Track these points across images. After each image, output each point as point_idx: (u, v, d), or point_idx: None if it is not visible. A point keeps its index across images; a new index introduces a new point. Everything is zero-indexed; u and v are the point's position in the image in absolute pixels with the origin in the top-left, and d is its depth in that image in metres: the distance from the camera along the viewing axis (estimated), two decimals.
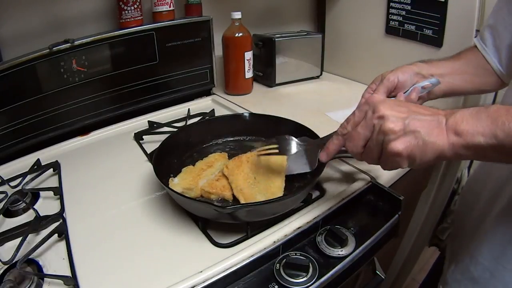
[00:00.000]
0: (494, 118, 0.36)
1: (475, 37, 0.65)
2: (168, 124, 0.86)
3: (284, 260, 0.48)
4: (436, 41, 0.91)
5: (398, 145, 0.40)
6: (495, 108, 0.37)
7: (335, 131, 0.50)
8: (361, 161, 0.47)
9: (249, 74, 1.05)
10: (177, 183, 0.59)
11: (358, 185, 0.62)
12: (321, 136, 0.65)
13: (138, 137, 0.82)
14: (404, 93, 0.58)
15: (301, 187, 0.61)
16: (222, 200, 0.58)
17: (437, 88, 0.60)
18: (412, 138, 0.39)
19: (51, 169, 0.72)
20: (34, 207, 0.60)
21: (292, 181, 0.62)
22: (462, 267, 0.58)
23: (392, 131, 0.40)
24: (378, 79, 0.62)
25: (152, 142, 0.79)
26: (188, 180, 0.59)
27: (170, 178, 0.60)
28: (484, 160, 0.39)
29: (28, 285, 0.45)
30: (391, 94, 0.60)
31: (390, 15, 1.01)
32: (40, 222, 0.55)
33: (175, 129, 0.83)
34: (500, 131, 0.36)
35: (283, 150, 0.59)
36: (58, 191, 0.64)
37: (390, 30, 1.03)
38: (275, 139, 0.60)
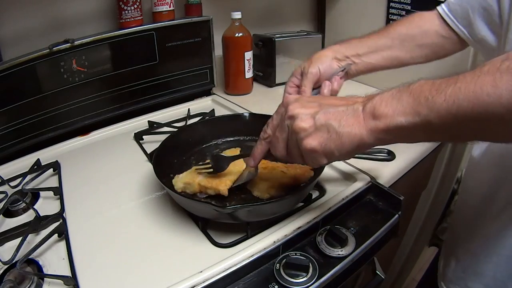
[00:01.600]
0: (417, 94, 0.34)
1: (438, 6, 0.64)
2: (168, 124, 0.86)
3: (284, 260, 0.48)
4: None
5: (311, 141, 0.39)
6: (418, 84, 0.34)
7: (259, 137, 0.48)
8: (291, 163, 0.46)
9: (249, 74, 1.05)
10: (180, 179, 0.59)
11: (358, 185, 0.62)
12: None
13: (138, 137, 0.82)
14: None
15: (301, 187, 0.60)
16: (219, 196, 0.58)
17: (352, 68, 0.63)
18: (324, 133, 0.38)
19: (51, 169, 0.72)
20: (34, 207, 0.60)
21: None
22: (464, 265, 0.58)
23: (302, 129, 0.39)
24: (298, 72, 0.63)
25: (152, 142, 0.79)
26: (189, 177, 0.59)
27: (176, 175, 0.60)
28: (412, 142, 0.36)
29: (28, 285, 0.45)
30: (317, 85, 0.62)
31: (390, 15, 1.01)
32: (40, 222, 0.55)
33: (175, 129, 0.83)
34: (423, 107, 0.33)
35: (218, 168, 0.58)
36: (58, 191, 0.64)
37: None
38: (209, 158, 0.60)
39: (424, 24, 0.63)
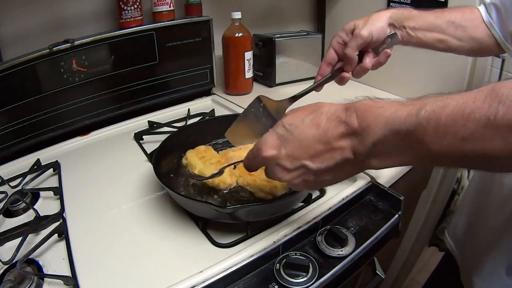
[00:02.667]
0: (419, 143, 0.30)
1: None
2: (168, 124, 0.86)
3: (284, 260, 0.48)
4: None
5: (297, 188, 0.41)
6: (422, 122, 0.29)
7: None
8: None
9: (249, 74, 1.05)
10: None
11: (358, 185, 0.62)
12: None
13: (138, 137, 0.82)
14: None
15: None
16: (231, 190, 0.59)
17: (404, 39, 0.62)
18: (318, 185, 0.39)
19: (51, 169, 0.72)
20: (34, 207, 0.60)
21: None
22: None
23: (292, 185, 0.40)
24: (350, 28, 0.62)
25: (152, 142, 0.79)
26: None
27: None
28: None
29: (28, 285, 0.45)
30: (363, 47, 0.61)
31: None
32: (40, 222, 0.55)
33: (175, 129, 0.83)
34: (424, 159, 0.31)
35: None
36: (58, 191, 0.64)
37: None
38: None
39: (475, 19, 0.62)
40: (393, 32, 0.62)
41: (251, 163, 0.42)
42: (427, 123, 0.29)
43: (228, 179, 0.59)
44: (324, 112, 0.36)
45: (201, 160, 0.63)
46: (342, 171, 0.36)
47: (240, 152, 0.64)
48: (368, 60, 0.61)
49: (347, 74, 0.63)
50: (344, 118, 0.34)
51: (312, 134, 0.36)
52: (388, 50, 0.61)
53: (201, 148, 0.67)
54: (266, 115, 0.60)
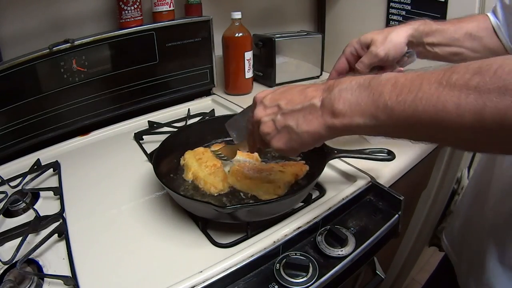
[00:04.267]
0: (377, 96, 0.33)
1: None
2: (168, 124, 0.86)
3: (284, 260, 0.48)
4: None
5: (276, 143, 0.42)
6: (379, 82, 0.33)
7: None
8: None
9: (249, 74, 1.05)
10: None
11: (358, 185, 0.62)
12: None
13: (138, 137, 0.82)
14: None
15: (301, 187, 0.61)
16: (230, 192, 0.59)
17: (421, 55, 0.62)
18: (285, 134, 0.41)
19: (51, 169, 0.72)
20: (34, 207, 0.60)
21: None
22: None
23: (266, 133, 0.43)
24: (366, 41, 0.61)
25: (152, 142, 0.79)
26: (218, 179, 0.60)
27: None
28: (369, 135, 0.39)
29: (28, 285, 0.45)
30: (376, 64, 0.61)
31: (390, 15, 1.01)
32: (40, 222, 0.55)
33: (175, 129, 0.83)
34: (381, 112, 0.32)
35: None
36: (58, 191, 0.64)
37: None
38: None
39: (490, 28, 0.62)
40: (410, 50, 0.61)
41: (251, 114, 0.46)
42: (387, 81, 0.33)
43: (220, 185, 0.59)
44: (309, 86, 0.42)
45: (197, 162, 0.63)
46: (306, 118, 0.39)
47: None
48: None
49: None
50: (324, 84, 0.40)
51: (296, 89, 0.42)
52: (402, 69, 0.61)
53: (200, 150, 0.67)
54: None
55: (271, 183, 0.59)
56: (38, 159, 0.74)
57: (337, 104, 0.36)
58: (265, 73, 1.13)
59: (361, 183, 0.62)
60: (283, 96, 0.42)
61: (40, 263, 0.50)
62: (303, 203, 0.59)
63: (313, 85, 0.41)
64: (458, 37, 0.62)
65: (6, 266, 0.48)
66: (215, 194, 0.59)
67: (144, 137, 0.82)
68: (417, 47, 0.62)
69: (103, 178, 0.69)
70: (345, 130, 0.37)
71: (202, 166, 0.62)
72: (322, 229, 0.54)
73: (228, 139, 0.75)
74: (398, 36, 0.60)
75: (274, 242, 0.50)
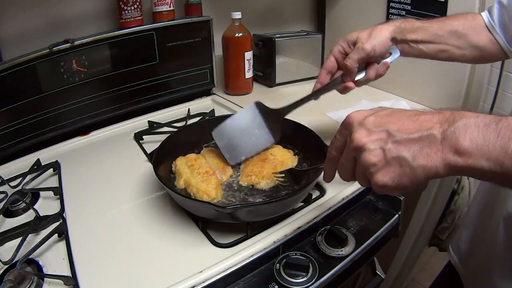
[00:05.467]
0: (505, 140, 0.29)
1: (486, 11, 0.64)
2: (168, 124, 0.86)
3: (284, 260, 0.49)
4: None
5: (381, 177, 0.34)
6: (508, 125, 0.30)
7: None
8: None
9: (249, 74, 1.05)
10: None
11: (358, 185, 0.61)
12: (322, 137, 0.65)
13: (138, 137, 0.82)
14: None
15: (301, 187, 0.61)
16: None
17: (404, 51, 0.63)
18: (396, 167, 0.34)
19: (51, 169, 0.72)
20: (34, 207, 0.60)
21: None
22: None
23: (371, 164, 0.35)
24: (352, 39, 0.62)
25: (152, 142, 0.79)
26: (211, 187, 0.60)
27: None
28: (480, 179, 0.33)
29: (28, 285, 0.45)
30: (363, 61, 0.62)
31: (390, 15, 1.01)
32: (40, 222, 0.55)
33: (175, 129, 0.83)
34: (508, 160, 0.29)
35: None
36: (58, 191, 0.64)
37: None
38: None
39: (477, 26, 0.62)
40: (393, 46, 0.62)
41: (335, 139, 0.40)
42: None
43: (212, 192, 0.56)
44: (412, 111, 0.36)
45: (189, 169, 0.61)
46: (423, 150, 0.32)
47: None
48: (372, 72, 0.62)
49: (351, 84, 0.63)
50: (437, 112, 0.34)
51: (404, 113, 0.35)
52: (388, 61, 0.62)
53: (192, 156, 0.65)
54: (258, 125, 0.61)
55: (267, 168, 0.61)
56: (38, 159, 0.74)
57: (463, 141, 0.30)
58: (265, 73, 1.13)
59: None
60: (390, 120, 0.35)
61: (40, 263, 0.50)
62: (303, 203, 0.59)
63: (424, 112, 0.35)
64: (442, 34, 0.62)
65: (6, 266, 0.48)
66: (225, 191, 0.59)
67: (144, 137, 0.82)
68: (401, 43, 0.63)
69: (103, 178, 0.69)
70: (465, 171, 0.32)
71: (194, 173, 0.59)
72: (322, 229, 0.54)
73: None
74: (382, 32, 0.61)
75: (274, 242, 0.50)
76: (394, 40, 0.62)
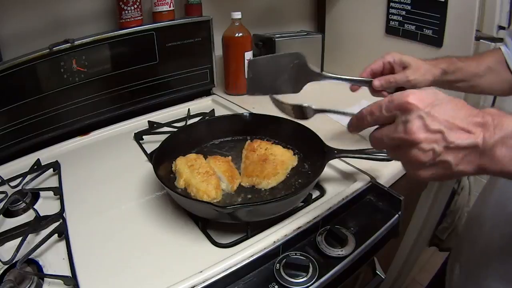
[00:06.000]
0: None
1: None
2: (168, 124, 0.86)
3: (284, 260, 0.48)
4: (436, 41, 0.91)
5: (424, 174, 0.36)
6: None
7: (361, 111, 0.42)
8: None
9: None
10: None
11: (358, 185, 0.62)
12: (322, 137, 0.65)
13: (138, 137, 0.82)
14: None
15: (301, 187, 0.61)
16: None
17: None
18: (440, 169, 0.36)
19: (51, 169, 0.72)
20: (34, 207, 0.60)
21: (292, 180, 0.62)
22: (467, 272, 0.57)
23: (421, 162, 0.36)
24: (406, 62, 0.65)
25: (152, 142, 0.79)
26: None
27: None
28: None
29: (28, 285, 0.45)
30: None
31: (390, 15, 1.01)
32: (40, 222, 0.55)
33: (175, 129, 0.83)
34: None
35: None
36: (58, 191, 0.64)
37: (390, 30, 1.03)
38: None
39: (503, 60, 0.66)
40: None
41: (378, 109, 0.38)
42: None
43: (212, 192, 0.56)
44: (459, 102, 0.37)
45: (189, 169, 0.61)
46: (466, 158, 0.35)
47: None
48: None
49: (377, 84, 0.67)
50: (479, 112, 0.36)
51: (461, 110, 0.36)
52: None
53: (192, 156, 0.65)
54: (289, 73, 0.66)
55: (268, 168, 0.62)
56: (38, 159, 0.74)
57: (499, 153, 0.34)
58: None
59: (361, 183, 0.62)
60: (445, 117, 0.35)
61: (40, 263, 0.50)
62: (303, 203, 0.59)
63: (474, 110, 0.36)
64: (478, 72, 0.66)
65: (6, 266, 0.48)
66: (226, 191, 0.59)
67: (144, 137, 0.82)
68: (438, 83, 0.66)
69: (103, 178, 0.69)
70: (496, 174, 0.35)
71: (194, 173, 0.59)
72: (322, 229, 0.54)
73: (228, 139, 0.75)
74: (429, 74, 0.65)
75: (274, 242, 0.50)
76: (433, 82, 0.65)
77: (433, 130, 0.35)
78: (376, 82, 0.66)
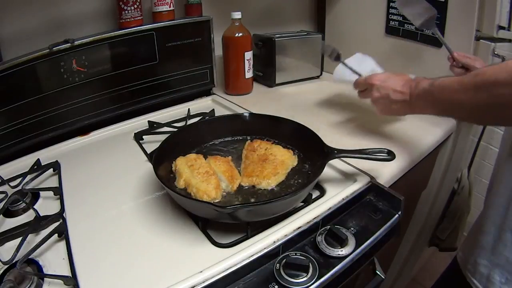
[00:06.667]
0: (432, 96, 0.57)
1: None
2: (168, 124, 0.86)
3: (284, 260, 0.48)
4: (436, 41, 0.91)
5: (378, 106, 0.71)
6: (435, 87, 0.56)
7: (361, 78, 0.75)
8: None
9: (249, 74, 1.05)
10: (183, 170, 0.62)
11: (358, 185, 0.62)
12: (322, 136, 0.65)
13: (138, 137, 0.82)
14: None
15: (301, 187, 0.61)
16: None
17: None
18: (387, 107, 0.68)
19: (51, 169, 0.72)
20: (34, 207, 0.60)
21: (292, 180, 0.62)
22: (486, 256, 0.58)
23: (375, 98, 0.70)
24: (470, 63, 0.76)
25: (152, 142, 0.79)
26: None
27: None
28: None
29: (28, 285, 0.45)
30: None
31: (390, 15, 1.01)
32: (40, 222, 0.55)
33: (175, 129, 0.83)
34: (435, 103, 0.58)
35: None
36: (58, 191, 0.64)
37: (390, 30, 1.03)
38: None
39: None
40: None
41: (361, 82, 0.74)
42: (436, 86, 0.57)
43: (212, 192, 0.56)
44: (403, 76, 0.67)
45: (189, 169, 0.61)
46: (399, 104, 0.66)
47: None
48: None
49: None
50: (411, 80, 0.65)
51: (400, 81, 0.66)
52: None
53: (192, 156, 0.65)
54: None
55: (268, 168, 0.62)
56: (38, 159, 0.74)
57: (417, 102, 0.61)
58: (265, 73, 1.13)
59: (361, 183, 0.62)
60: (388, 84, 0.67)
61: (40, 263, 0.50)
62: (303, 203, 0.59)
63: (409, 80, 0.65)
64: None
65: (6, 266, 0.48)
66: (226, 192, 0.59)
67: (144, 137, 0.82)
68: None
69: (103, 178, 0.69)
70: (419, 113, 0.63)
71: (194, 173, 0.59)
72: (322, 229, 0.54)
73: (228, 139, 0.75)
74: None
75: (274, 242, 0.50)
76: None
77: (382, 89, 0.68)
78: (455, 54, 0.78)
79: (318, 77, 1.19)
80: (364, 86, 0.73)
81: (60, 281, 0.46)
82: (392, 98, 0.65)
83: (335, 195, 0.59)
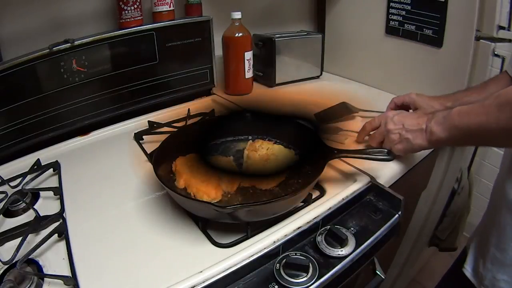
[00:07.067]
0: (451, 122, 0.55)
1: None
2: (168, 124, 0.86)
3: (284, 260, 0.49)
4: (436, 41, 0.91)
5: (398, 146, 0.63)
6: (454, 113, 0.54)
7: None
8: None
9: (249, 74, 1.05)
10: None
11: (358, 185, 0.62)
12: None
13: (138, 137, 0.82)
14: None
15: (301, 187, 0.61)
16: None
17: None
18: (405, 143, 0.62)
19: (51, 169, 0.72)
20: (34, 207, 0.60)
21: (292, 180, 0.62)
22: (491, 257, 0.59)
23: (393, 141, 0.63)
24: (417, 104, 0.75)
25: (152, 142, 0.79)
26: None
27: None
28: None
29: (28, 285, 0.45)
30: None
31: (390, 15, 1.01)
32: (40, 222, 0.55)
33: (175, 129, 0.83)
34: (453, 129, 0.55)
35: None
36: (58, 191, 0.64)
37: (390, 30, 1.03)
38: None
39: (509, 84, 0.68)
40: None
41: (374, 121, 0.70)
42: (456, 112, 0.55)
43: (212, 192, 0.57)
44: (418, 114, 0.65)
45: (189, 169, 0.61)
46: (417, 136, 0.60)
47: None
48: None
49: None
50: (424, 114, 0.62)
51: (412, 116, 0.63)
52: None
53: (192, 156, 0.65)
54: None
55: (271, 168, 0.63)
56: (38, 159, 0.74)
57: (434, 128, 0.57)
58: (265, 73, 1.13)
59: (361, 183, 0.62)
60: (404, 120, 0.63)
61: (40, 263, 0.50)
62: (303, 203, 0.59)
63: (421, 115, 0.62)
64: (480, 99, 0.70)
65: (6, 266, 0.48)
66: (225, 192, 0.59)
67: (144, 137, 0.82)
68: None
69: (103, 178, 0.69)
70: (437, 143, 0.58)
71: (194, 173, 0.60)
72: (322, 229, 0.54)
73: (229, 139, 0.75)
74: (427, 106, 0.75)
75: (274, 242, 0.50)
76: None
77: (398, 123, 0.63)
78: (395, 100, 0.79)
79: (318, 77, 1.19)
80: (376, 125, 0.68)
81: (60, 281, 0.46)
82: (407, 126, 0.61)
83: (335, 195, 0.59)
